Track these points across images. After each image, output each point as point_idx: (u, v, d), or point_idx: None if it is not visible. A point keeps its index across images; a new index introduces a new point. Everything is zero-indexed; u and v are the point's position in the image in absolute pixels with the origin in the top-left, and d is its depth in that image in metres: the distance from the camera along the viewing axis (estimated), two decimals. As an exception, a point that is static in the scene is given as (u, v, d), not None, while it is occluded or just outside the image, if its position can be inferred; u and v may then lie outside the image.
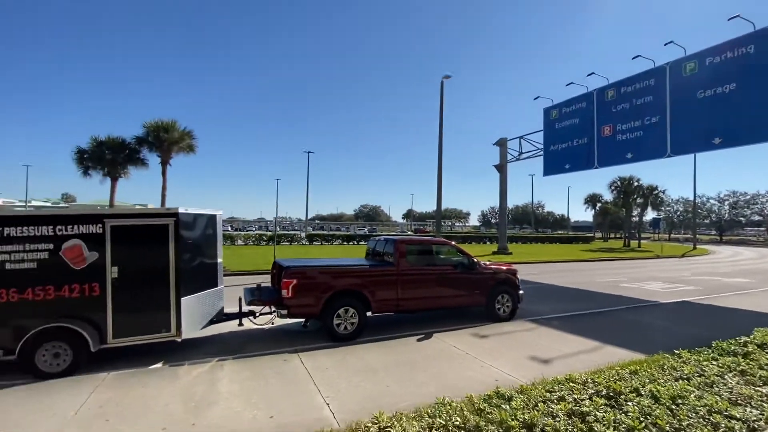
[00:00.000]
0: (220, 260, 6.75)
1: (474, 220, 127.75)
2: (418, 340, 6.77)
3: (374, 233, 51.50)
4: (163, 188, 23.14)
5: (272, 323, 7.23)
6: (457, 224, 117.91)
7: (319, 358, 5.76)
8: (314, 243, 35.08)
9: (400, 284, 7.29)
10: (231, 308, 6.98)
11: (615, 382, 4.19)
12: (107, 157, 22.91)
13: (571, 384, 4.23)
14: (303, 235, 37.91)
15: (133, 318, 5.49)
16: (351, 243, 36.23)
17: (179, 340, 5.75)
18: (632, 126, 16.86)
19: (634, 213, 52.02)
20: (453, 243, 8.63)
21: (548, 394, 3.98)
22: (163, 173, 23.37)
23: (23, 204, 53.74)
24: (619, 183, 45.57)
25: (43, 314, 5.05)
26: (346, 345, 6.44)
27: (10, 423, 3.83)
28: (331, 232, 47.57)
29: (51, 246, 5.17)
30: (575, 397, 3.86)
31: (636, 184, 45.85)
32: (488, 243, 42.05)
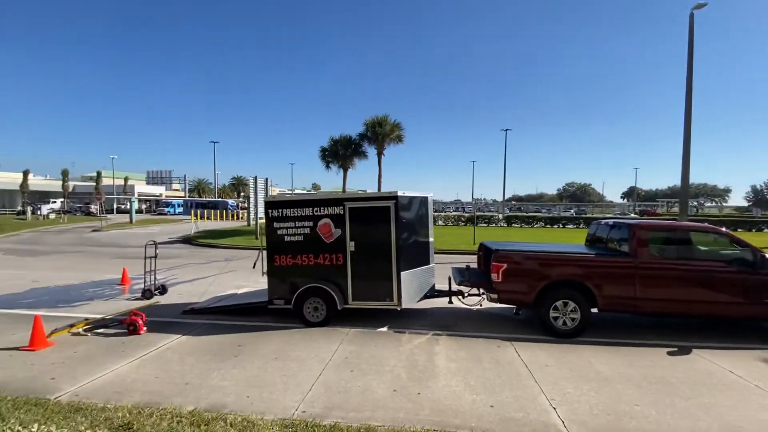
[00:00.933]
0: (431, 240, 7.10)
1: (737, 199, 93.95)
2: (670, 353, 5.29)
3: (582, 215, 44.86)
4: (379, 176, 26.80)
5: (480, 305, 7.15)
6: (708, 204, 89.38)
7: (536, 352, 5.27)
8: (513, 225, 33.47)
9: (639, 280, 5.86)
10: (440, 285, 7.28)
11: None
12: (340, 152, 28.19)
13: None
14: (500, 216, 36.72)
15: (365, 286, 6.41)
16: (555, 226, 32.69)
17: (399, 309, 6.38)
18: None
19: None
20: (725, 230, 6.31)
21: None
22: (379, 162, 27.02)
23: (290, 192, 73.32)
24: None
25: (307, 276, 6.51)
26: (566, 342, 5.68)
27: (293, 356, 5.10)
28: (530, 214, 44.28)
29: (311, 223, 6.56)
30: None
31: None
32: (766, 230, 29.92)
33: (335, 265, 6.45)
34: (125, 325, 5.95)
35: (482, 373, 4.57)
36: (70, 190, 54.24)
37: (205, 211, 42.04)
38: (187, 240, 19.93)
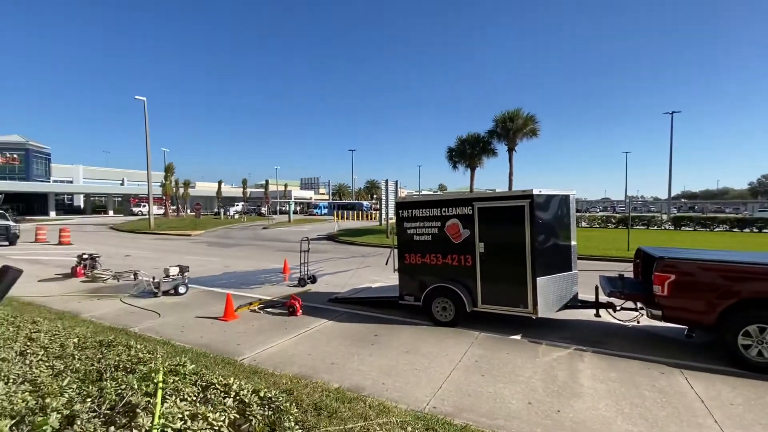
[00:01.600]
0: (573, 243, 6.39)
1: None
2: None
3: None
4: (510, 173, 25.34)
5: (637, 322, 6.11)
6: None
7: (717, 386, 4.24)
8: (683, 228, 27.33)
9: None
10: (584, 295, 6.49)
11: None
12: (467, 152, 27.74)
13: None
14: (664, 217, 30.37)
15: (496, 289, 6.18)
16: (745, 230, 25.38)
17: (534, 317, 5.94)
18: None
19: None
20: None
21: None
22: (510, 159, 25.56)
23: (417, 193, 75.66)
24: None
25: (436, 275, 6.63)
26: (763, 379, 4.40)
27: (423, 352, 5.28)
28: (708, 215, 35.14)
29: (439, 224, 6.67)
30: None
31: None
32: None
33: (464, 266, 6.40)
34: (286, 307, 7.12)
35: (640, 401, 3.92)
36: (248, 195, 67.21)
37: (345, 211, 46.60)
38: (331, 237, 22.50)
